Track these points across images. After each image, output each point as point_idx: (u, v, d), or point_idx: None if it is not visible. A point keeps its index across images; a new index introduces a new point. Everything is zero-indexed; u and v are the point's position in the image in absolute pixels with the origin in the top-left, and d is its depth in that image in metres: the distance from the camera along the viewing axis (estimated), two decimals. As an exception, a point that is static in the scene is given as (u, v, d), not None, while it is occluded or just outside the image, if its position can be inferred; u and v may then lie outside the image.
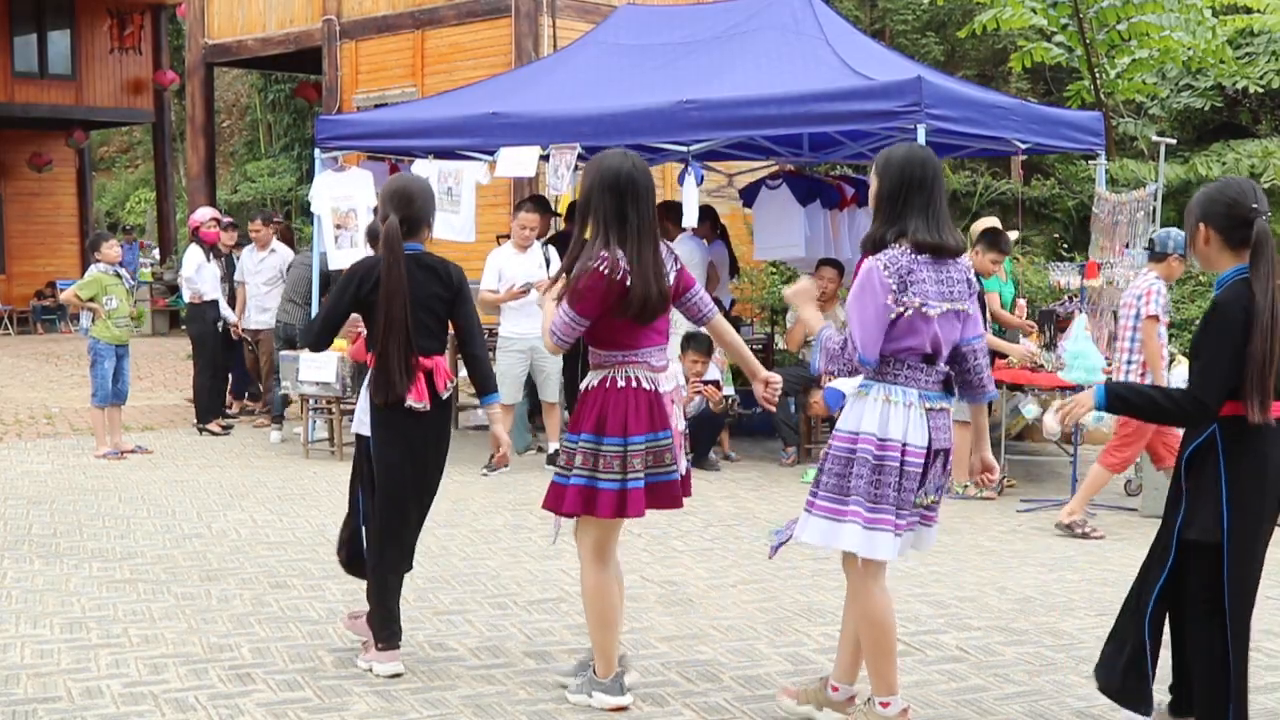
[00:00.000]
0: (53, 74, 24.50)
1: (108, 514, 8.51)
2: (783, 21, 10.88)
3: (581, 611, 6.16)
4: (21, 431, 12.42)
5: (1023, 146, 10.73)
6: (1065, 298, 10.04)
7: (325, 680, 5.18)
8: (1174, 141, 12.25)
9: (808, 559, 7.24)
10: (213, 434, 12.07)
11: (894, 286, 4.29)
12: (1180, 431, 4.46)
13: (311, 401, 11.10)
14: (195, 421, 12.30)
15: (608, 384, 4.72)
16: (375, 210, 11.43)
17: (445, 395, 5.31)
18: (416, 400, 5.18)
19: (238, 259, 13.14)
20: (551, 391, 10.23)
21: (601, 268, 4.61)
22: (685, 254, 10.78)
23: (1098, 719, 4.81)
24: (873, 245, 4.43)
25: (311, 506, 8.78)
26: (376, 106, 15.68)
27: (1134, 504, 8.85)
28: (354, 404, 11.23)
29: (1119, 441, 8.04)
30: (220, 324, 12.48)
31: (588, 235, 4.72)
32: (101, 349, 10.76)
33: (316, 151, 11.90)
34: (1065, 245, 16.67)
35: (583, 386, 4.83)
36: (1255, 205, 4.16)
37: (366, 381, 5.28)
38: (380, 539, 5.27)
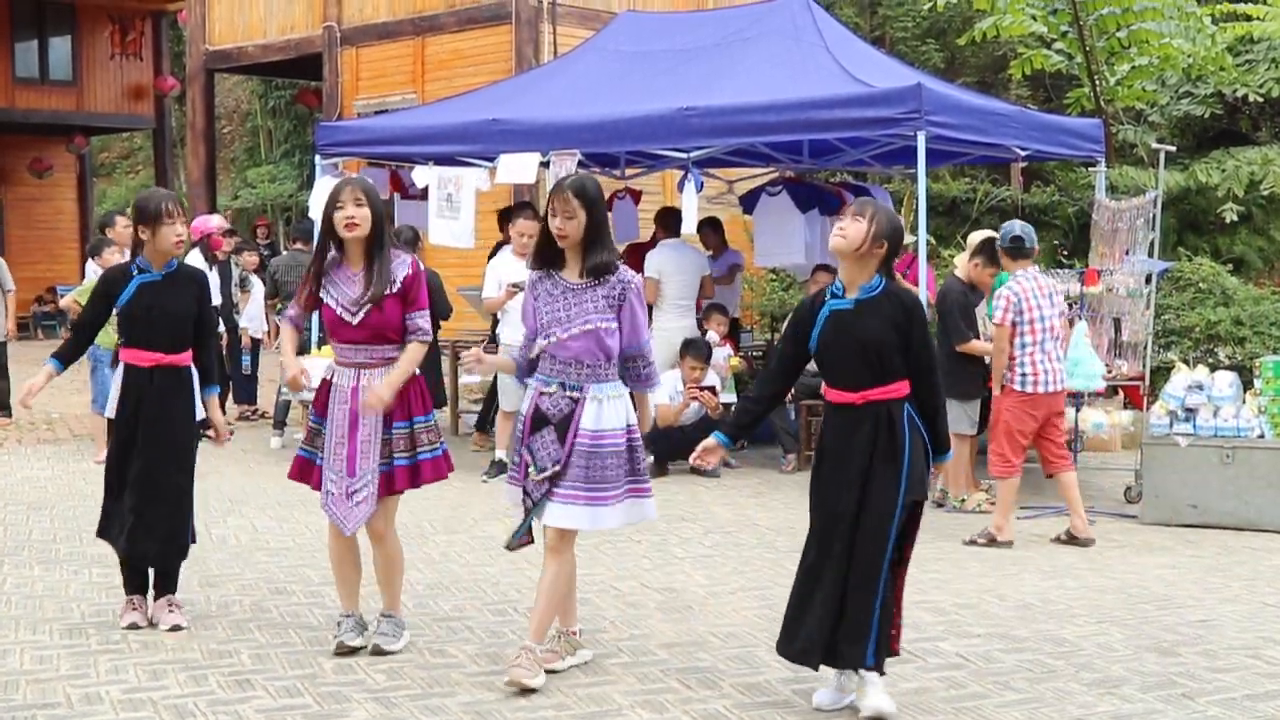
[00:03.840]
0: (54, 79, 24.51)
1: (107, 520, 8.49)
2: (783, 28, 10.89)
3: (583, 616, 6.16)
4: (22, 437, 12.42)
5: (1023, 153, 10.74)
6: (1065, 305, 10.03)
7: (325, 686, 5.18)
8: (1174, 149, 12.22)
9: (807, 566, 7.23)
10: (211, 439, 12.03)
11: None
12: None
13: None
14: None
15: None
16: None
17: None
18: None
19: (237, 264, 13.19)
20: (512, 401, 10.14)
21: None
22: (674, 260, 10.78)
23: (1098, 726, 4.81)
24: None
25: (311, 512, 8.74)
26: (377, 113, 15.70)
27: (1134, 510, 8.85)
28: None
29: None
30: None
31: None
32: (101, 354, 10.73)
33: (317, 158, 11.91)
34: (1065, 252, 16.64)
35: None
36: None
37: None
38: None
